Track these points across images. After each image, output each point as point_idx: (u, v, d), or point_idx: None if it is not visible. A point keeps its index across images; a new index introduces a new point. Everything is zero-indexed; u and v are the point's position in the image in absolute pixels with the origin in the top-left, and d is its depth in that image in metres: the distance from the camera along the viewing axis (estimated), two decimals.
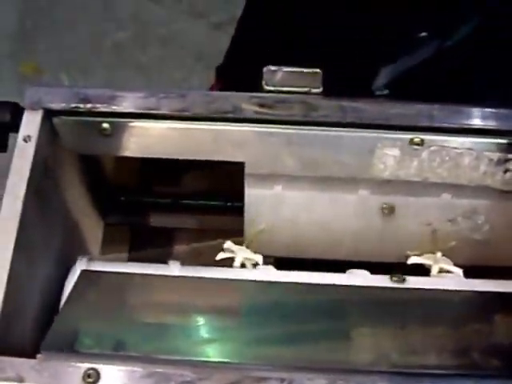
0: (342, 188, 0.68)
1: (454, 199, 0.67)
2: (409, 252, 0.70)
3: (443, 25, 1.38)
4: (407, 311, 0.62)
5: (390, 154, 0.64)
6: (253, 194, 0.69)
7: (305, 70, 0.64)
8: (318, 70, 0.64)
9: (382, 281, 0.64)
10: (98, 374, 0.52)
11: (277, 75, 0.64)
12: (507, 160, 0.64)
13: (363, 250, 0.71)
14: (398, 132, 0.63)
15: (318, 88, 0.64)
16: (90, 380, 0.52)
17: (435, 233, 0.69)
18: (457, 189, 0.67)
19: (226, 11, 1.55)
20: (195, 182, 0.81)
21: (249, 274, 0.67)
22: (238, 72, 1.21)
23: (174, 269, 0.66)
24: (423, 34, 1.38)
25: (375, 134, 0.64)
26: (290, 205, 0.70)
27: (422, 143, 0.63)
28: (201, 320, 0.61)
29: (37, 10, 1.62)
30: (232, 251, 0.69)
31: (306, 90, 0.63)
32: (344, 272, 0.66)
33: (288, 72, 0.64)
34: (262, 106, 0.63)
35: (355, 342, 0.59)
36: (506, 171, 0.65)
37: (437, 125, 0.63)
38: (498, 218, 0.69)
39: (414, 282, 0.64)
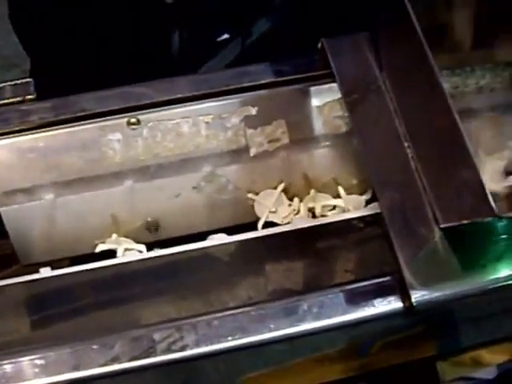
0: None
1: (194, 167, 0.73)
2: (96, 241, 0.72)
3: (242, 23, 1.46)
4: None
5: (114, 139, 0.69)
6: (11, 210, 0.72)
7: (18, 82, 0.69)
8: (29, 80, 0.69)
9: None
10: None
11: None
12: (222, 119, 0.70)
13: None
14: (114, 117, 0.68)
15: (32, 95, 0.68)
16: None
17: None
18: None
19: None
20: None
21: None
22: None
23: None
24: (225, 36, 1.45)
25: (95, 124, 0.68)
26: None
27: (138, 122, 0.69)
28: None
29: None
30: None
31: (20, 99, 0.68)
32: None
33: (2, 87, 0.69)
34: None
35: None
36: (226, 130, 0.71)
37: (148, 101, 0.68)
38: (240, 177, 0.74)
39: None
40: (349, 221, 0.65)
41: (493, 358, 1.05)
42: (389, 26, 0.64)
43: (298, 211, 0.71)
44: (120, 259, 0.64)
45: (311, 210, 0.72)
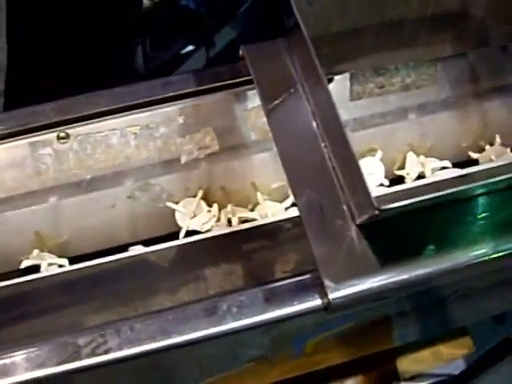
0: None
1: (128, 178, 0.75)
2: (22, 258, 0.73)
3: (205, 34, 1.49)
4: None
5: (45, 154, 0.71)
6: None
7: None
8: None
9: None
10: None
11: None
12: (151, 129, 0.72)
13: None
14: (44, 132, 0.70)
15: None
16: None
17: None
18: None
19: None
20: None
21: None
22: None
23: None
24: (189, 48, 1.48)
25: (23, 141, 0.70)
26: None
27: (67, 136, 0.71)
28: None
29: None
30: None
31: None
32: None
33: None
34: None
35: None
36: (155, 140, 0.73)
37: (76, 115, 0.70)
38: (174, 185, 0.76)
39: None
40: (270, 225, 0.67)
41: (452, 352, 1.06)
42: (296, 30, 0.66)
43: (219, 219, 0.73)
44: (43, 273, 0.66)
45: (229, 221, 0.73)
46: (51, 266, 0.69)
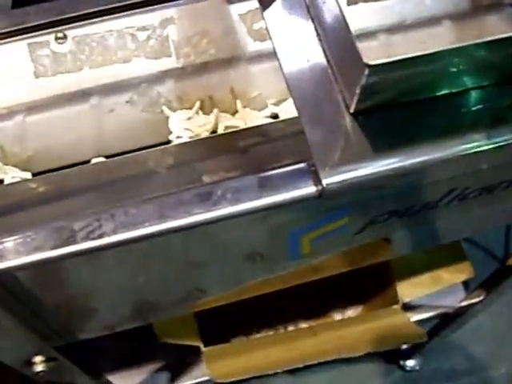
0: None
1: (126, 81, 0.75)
2: None
3: None
4: None
5: (43, 55, 0.71)
6: None
7: None
8: None
9: None
10: None
11: None
12: (147, 30, 0.72)
13: None
14: (41, 33, 0.71)
15: None
16: None
17: None
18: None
19: None
20: None
21: None
22: None
23: None
24: None
25: (21, 42, 0.70)
26: None
27: (65, 37, 0.71)
28: None
29: None
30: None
31: None
32: None
33: None
34: None
35: None
36: (152, 42, 0.73)
37: (72, 14, 0.70)
38: (171, 90, 0.76)
39: None
40: (262, 126, 0.67)
41: (451, 277, 1.07)
42: None
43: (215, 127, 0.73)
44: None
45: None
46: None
